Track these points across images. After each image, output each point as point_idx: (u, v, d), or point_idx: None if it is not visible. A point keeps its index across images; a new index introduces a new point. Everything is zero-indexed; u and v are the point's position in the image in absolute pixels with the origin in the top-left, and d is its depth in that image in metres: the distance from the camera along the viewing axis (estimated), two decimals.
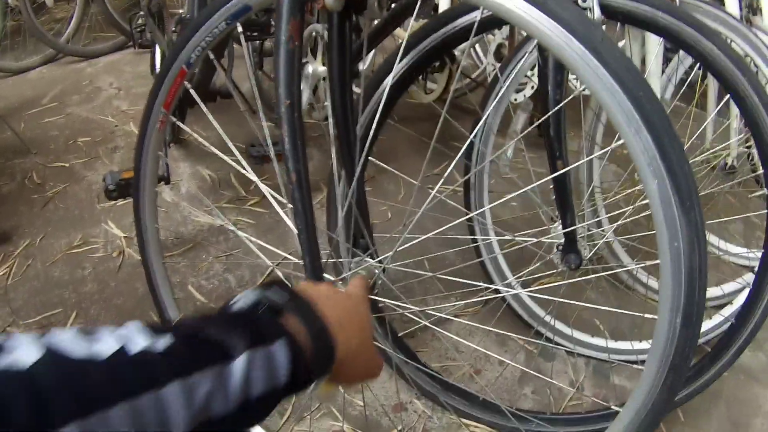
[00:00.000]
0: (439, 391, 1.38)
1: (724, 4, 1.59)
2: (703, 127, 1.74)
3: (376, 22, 1.10)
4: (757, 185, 1.99)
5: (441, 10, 1.93)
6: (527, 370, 1.47)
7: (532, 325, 1.56)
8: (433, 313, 1.48)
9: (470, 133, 1.44)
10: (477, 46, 2.43)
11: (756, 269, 1.30)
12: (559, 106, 1.13)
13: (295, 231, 0.87)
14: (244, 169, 1.07)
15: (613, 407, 1.03)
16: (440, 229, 0.99)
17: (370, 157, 1.14)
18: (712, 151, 1.79)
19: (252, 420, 0.55)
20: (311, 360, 0.59)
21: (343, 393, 1.43)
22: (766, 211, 1.44)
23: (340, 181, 0.98)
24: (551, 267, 1.35)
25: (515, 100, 1.73)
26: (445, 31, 1.07)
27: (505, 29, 1.88)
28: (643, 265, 1.61)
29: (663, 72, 1.66)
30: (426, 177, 1.96)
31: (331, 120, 0.93)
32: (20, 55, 3.25)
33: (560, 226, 1.27)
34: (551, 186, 1.23)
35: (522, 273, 1.35)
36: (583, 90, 1.26)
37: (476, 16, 1.01)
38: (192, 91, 1.10)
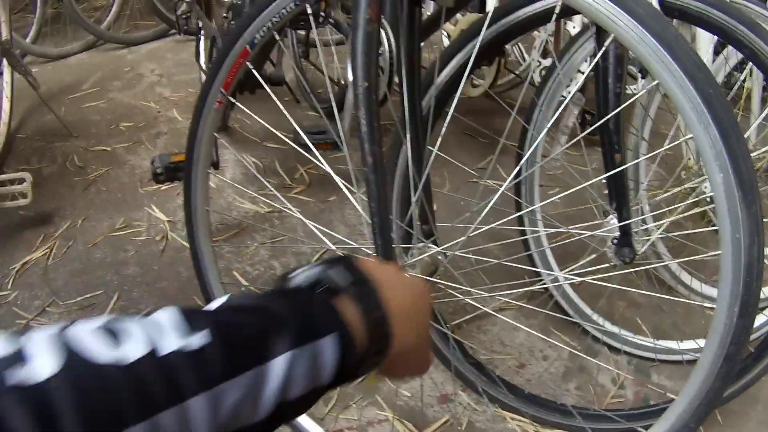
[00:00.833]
0: (485, 383, 1.38)
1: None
2: (749, 131, 1.72)
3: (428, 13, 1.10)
4: None
5: (488, 5, 1.94)
6: (571, 365, 1.47)
7: (577, 322, 1.55)
8: (497, 298, 1.46)
9: (526, 125, 1.44)
10: (519, 43, 2.42)
11: None
12: (618, 109, 1.13)
13: (364, 215, 0.87)
14: (317, 158, 1.06)
15: (669, 395, 1.04)
16: (504, 219, 0.98)
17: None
18: (756, 153, 1.78)
19: (286, 419, 0.51)
20: (362, 355, 0.54)
21: (390, 383, 1.43)
22: None
23: (410, 167, 0.98)
24: (597, 263, 1.34)
25: (568, 93, 1.72)
26: (514, 17, 1.08)
27: (550, 26, 1.87)
28: (696, 258, 1.60)
29: None
30: (470, 171, 1.96)
31: (406, 102, 0.93)
32: (60, 41, 3.29)
33: (614, 220, 1.27)
34: (602, 180, 1.23)
35: (574, 266, 1.34)
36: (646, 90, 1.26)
37: (551, 3, 1.01)
38: (254, 71, 1.10)
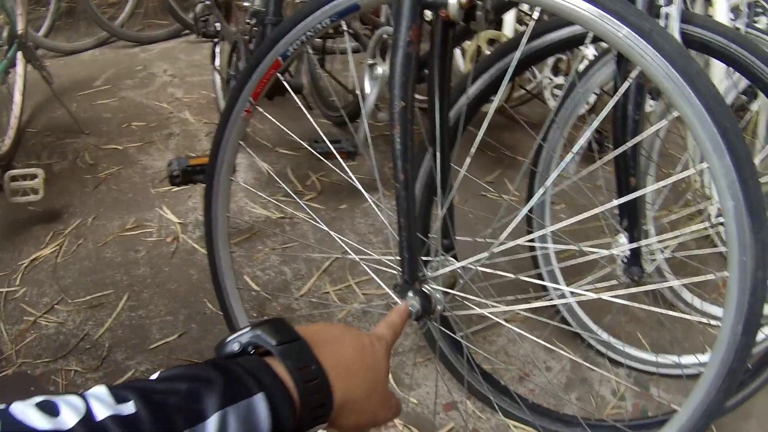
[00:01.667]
0: (490, 392, 1.41)
1: None
2: (758, 159, 1.76)
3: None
4: None
5: (505, 29, 1.99)
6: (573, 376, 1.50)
7: (582, 336, 1.58)
8: (507, 309, 1.49)
9: (539, 139, 1.47)
10: None
11: None
12: (639, 138, 1.17)
13: (389, 227, 0.90)
14: (339, 167, 1.09)
15: (673, 407, 1.08)
16: (530, 237, 1.01)
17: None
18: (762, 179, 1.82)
19: None
20: (299, 409, 0.57)
21: (397, 390, 1.46)
22: None
23: (437, 182, 1.01)
24: (603, 278, 1.38)
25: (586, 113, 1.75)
26: (542, 42, 1.12)
27: None
28: (706, 279, 1.63)
29: None
30: (476, 185, 1.98)
31: (437, 119, 0.96)
32: (72, 36, 3.30)
33: (624, 239, 1.30)
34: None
35: (582, 282, 1.37)
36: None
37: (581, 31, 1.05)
38: (284, 82, 1.13)
